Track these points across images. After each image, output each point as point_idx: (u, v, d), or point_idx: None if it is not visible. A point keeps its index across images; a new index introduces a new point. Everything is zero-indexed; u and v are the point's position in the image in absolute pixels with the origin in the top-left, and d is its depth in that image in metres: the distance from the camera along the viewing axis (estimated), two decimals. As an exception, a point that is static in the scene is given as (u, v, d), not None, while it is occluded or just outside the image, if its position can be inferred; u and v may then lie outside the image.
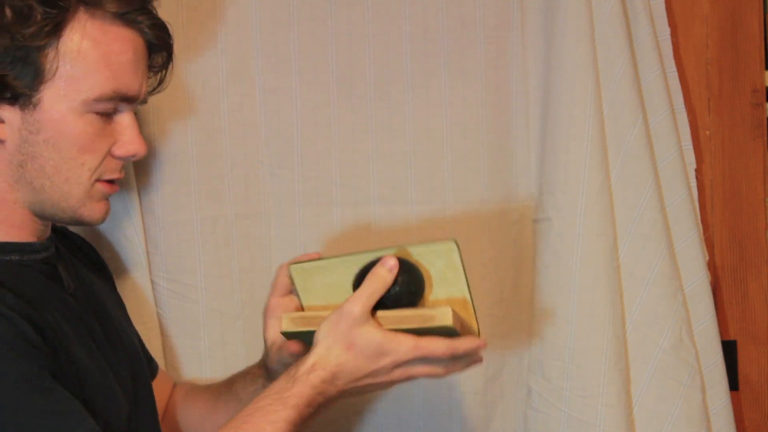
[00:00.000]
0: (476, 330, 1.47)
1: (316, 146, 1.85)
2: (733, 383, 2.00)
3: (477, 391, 1.88)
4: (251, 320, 1.82)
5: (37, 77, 1.36)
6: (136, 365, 1.56)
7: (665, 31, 1.94)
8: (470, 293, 1.46)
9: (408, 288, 1.43)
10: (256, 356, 1.84)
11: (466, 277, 1.45)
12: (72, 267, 1.53)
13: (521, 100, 1.90)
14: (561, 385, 1.86)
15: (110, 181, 1.45)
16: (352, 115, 1.86)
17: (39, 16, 1.34)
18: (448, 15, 1.87)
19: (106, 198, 1.45)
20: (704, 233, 1.96)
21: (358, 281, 1.45)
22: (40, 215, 1.43)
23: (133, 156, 1.44)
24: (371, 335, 1.39)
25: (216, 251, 1.82)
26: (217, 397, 1.67)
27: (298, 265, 1.52)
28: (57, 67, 1.36)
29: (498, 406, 1.90)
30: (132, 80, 1.42)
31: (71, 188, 1.41)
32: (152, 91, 1.51)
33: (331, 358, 1.39)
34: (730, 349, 2.00)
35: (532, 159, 1.89)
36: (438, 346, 1.40)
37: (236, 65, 1.82)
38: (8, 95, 1.36)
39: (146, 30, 1.42)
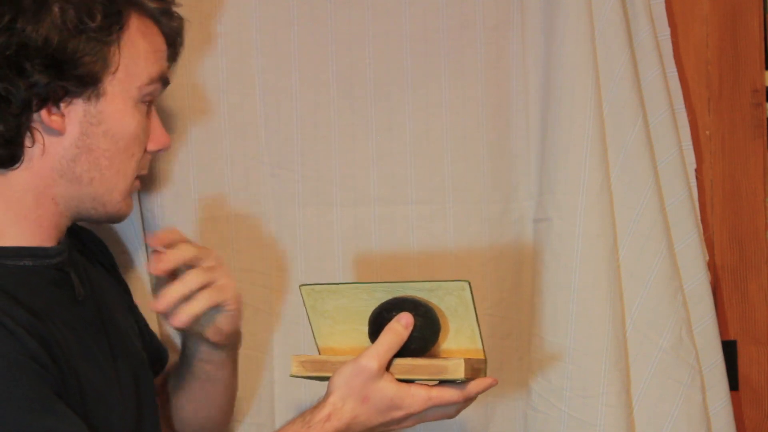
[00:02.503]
0: (484, 360, 1.49)
1: (316, 146, 1.85)
2: (733, 383, 2.00)
3: (477, 391, 1.88)
4: (250, 321, 1.82)
5: (105, 69, 1.43)
6: (139, 374, 1.57)
7: (665, 31, 1.94)
8: (479, 326, 1.47)
9: (422, 333, 1.47)
10: (255, 356, 1.84)
11: (476, 311, 1.47)
12: (84, 272, 1.54)
13: (521, 100, 1.89)
14: (561, 385, 1.86)
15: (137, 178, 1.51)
16: (352, 115, 1.86)
17: (99, 16, 1.42)
18: (448, 15, 1.87)
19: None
20: (704, 233, 1.96)
21: (373, 323, 1.48)
22: (74, 212, 1.46)
23: (161, 149, 1.52)
24: (386, 390, 1.44)
25: (216, 251, 1.82)
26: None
27: (309, 286, 1.53)
28: (119, 59, 1.44)
29: (498, 406, 1.90)
30: (166, 64, 1.52)
31: (119, 181, 1.46)
32: None
33: (346, 410, 1.43)
34: (730, 349, 2.00)
35: (532, 159, 1.89)
36: (451, 395, 1.46)
37: (236, 65, 1.82)
38: (76, 87, 1.42)
39: (170, 24, 1.53)
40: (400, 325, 1.45)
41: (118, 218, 1.50)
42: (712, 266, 1.99)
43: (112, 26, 1.43)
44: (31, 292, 1.40)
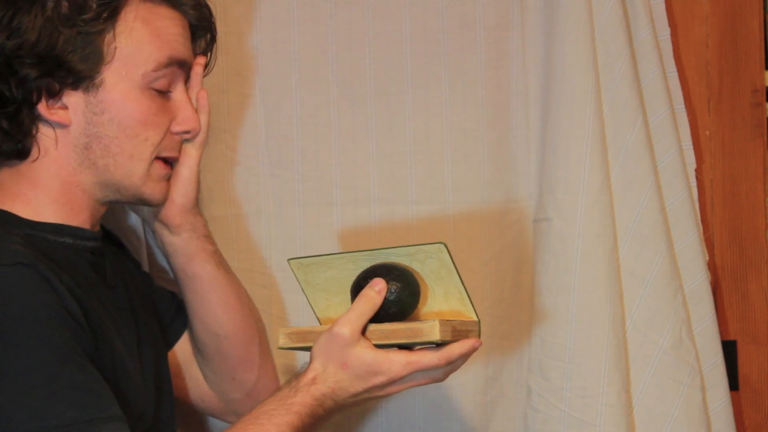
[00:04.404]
0: (476, 320, 1.48)
1: (316, 146, 1.85)
2: (733, 383, 2.00)
3: (477, 391, 1.88)
4: (251, 320, 1.82)
5: (98, 59, 1.44)
6: (161, 360, 1.59)
7: (665, 31, 1.94)
8: (464, 286, 1.48)
9: (398, 297, 1.46)
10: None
11: (458, 272, 1.47)
12: (115, 262, 1.57)
13: (521, 100, 1.90)
14: (561, 385, 1.86)
15: (166, 162, 1.52)
16: (352, 115, 1.86)
17: (94, 5, 1.43)
18: (448, 15, 1.87)
19: (164, 179, 1.53)
20: (704, 233, 1.96)
21: (354, 292, 1.48)
22: (102, 197, 1.50)
23: (189, 132, 1.54)
24: (363, 356, 1.44)
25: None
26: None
27: (297, 260, 1.55)
28: (115, 48, 1.45)
29: (498, 406, 1.90)
30: (182, 48, 1.51)
31: (135, 166, 1.48)
32: None
33: (328, 375, 1.44)
34: (730, 349, 2.00)
35: (532, 159, 1.90)
36: (430, 359, 1.45)
37: (236, 65, 1.82)
38: (71, 80, 1.44)
39: (190, 11, 1.53)
40: (373, 291, 1.45)
41: (150, 202, 1.52)
42: (712, 266, 1.99)
43: (101, 16, 1.43)
44: (73, 266, 1.44)
